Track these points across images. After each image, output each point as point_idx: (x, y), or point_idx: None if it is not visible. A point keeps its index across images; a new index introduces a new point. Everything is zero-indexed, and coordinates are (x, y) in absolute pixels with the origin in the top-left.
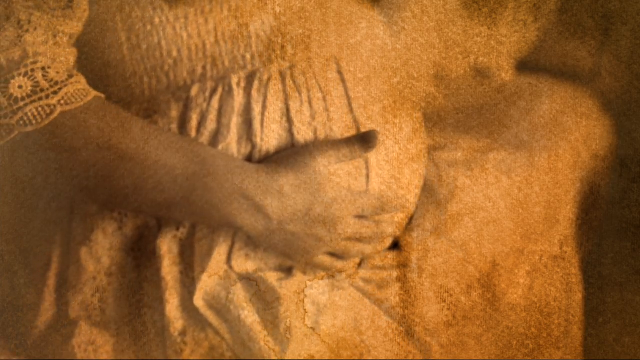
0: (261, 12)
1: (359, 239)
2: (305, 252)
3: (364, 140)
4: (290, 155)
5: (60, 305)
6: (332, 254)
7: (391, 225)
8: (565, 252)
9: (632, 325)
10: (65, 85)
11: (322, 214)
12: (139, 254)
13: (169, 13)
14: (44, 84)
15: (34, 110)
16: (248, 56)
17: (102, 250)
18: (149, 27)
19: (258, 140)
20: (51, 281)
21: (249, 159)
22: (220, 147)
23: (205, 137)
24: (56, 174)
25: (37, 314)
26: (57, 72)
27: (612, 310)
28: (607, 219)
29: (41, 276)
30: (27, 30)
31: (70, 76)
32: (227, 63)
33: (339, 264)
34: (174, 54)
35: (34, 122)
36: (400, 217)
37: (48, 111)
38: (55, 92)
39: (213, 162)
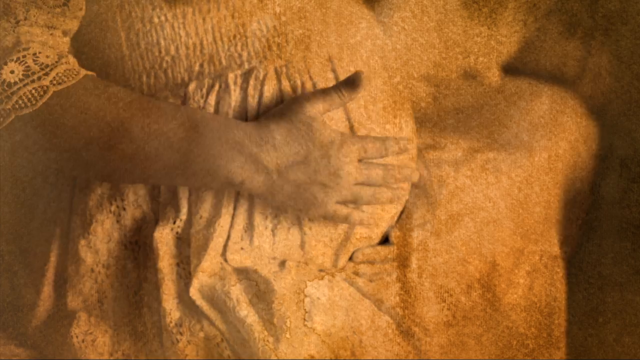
0: (261, 11)
1: (370, 184)
2: (315, 202)
3: (350, 83)
4: (280, 108)
5: (59, 297)
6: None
7: (401, 169)
8: (565, 252)
9: (632, 325)
10: (56, 67)
11: (320, 159)
12: (136, 247)
13: (168, 12)
14: (34, 67)
15: (28, 93)
16: (245, 54)
17: (100, 243)
18: (148, 26)
19: None
20: (50, 274)
21: None
22: None
23: None
24: (56, 173)
25: (36, 305)
26: (47, 56)
27: (612, 310)
28: (607, 219)
29: (40, 272)
30: (23, 25)
31: (60, 57)
32: (224, 61)
33: (356, 214)
34: (172, 52)
35: (28, 104)
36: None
37: (41, 92)
38: (46, 74)
39: (206, 123)
